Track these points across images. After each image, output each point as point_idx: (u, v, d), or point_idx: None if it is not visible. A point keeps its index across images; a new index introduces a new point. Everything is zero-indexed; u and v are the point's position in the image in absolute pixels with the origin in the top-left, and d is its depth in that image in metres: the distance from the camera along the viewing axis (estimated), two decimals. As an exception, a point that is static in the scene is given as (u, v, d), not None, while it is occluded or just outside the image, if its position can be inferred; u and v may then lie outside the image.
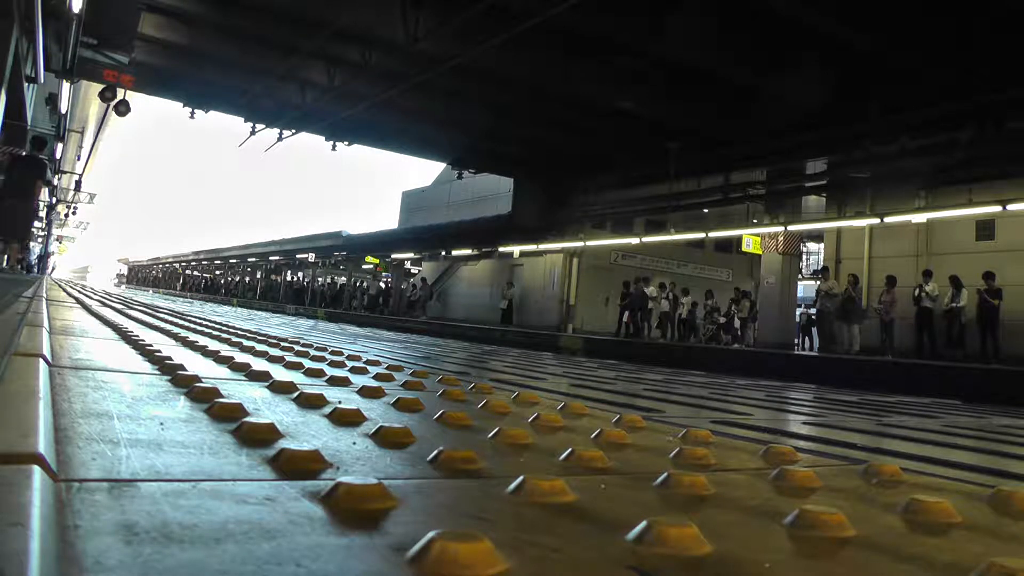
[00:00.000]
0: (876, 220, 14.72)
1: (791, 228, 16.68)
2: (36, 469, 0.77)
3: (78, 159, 28.07)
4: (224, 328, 4.82)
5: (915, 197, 15.19)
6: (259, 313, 17.04)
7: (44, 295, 6.27)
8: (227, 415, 1.36)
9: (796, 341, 20.31)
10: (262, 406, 1.58)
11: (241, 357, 2.64)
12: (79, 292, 10.79)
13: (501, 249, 23.53)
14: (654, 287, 19.64)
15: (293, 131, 18.12)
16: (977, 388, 8.49)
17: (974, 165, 12.85)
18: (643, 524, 0.81)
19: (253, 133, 18.32)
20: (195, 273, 58.02)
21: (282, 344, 3.74)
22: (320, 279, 40.94)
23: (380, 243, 31.70)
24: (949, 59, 10.60)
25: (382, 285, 35.99)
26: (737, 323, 19.05)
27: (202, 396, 1.54)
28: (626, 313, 19.37)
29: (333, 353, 3.40)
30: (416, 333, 15.35)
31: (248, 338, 3.99)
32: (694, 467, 1.35)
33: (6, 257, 11.73)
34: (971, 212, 13.51)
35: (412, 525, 0.81)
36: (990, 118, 11.61)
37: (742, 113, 13.75)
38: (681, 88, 13.42)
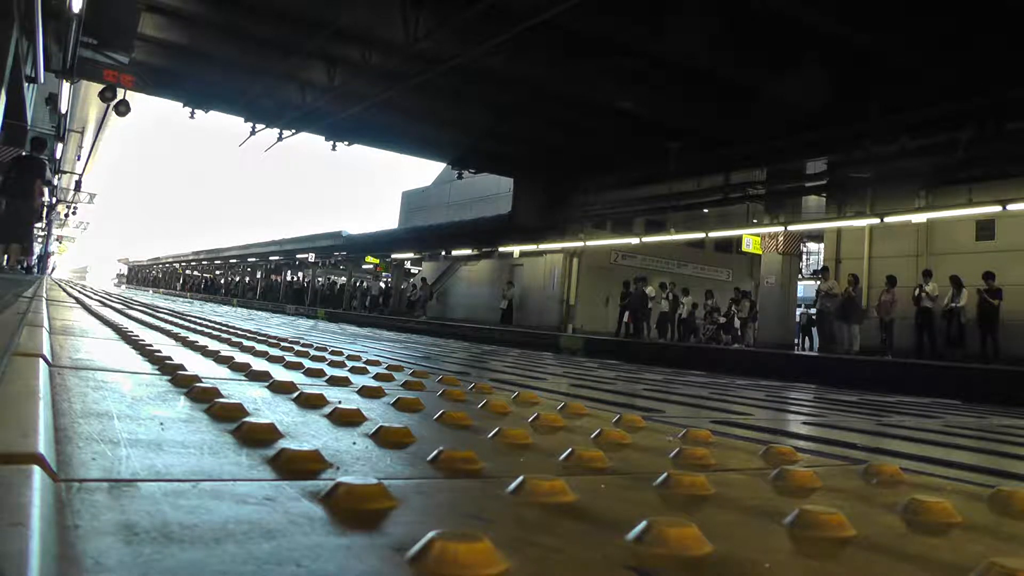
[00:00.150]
0: (876, 220, 14.72)
1: (791, 228, 16.68)
2: (36, 469, 0.77)
3: (78, 159, 28.08)
4: (224, 328, 4.82)
5: (915, 197, 15.20)
6: (259, 313, 17.05)
7: (44, 295, 6.27)
8: (227, 415, 1.36)
9: (796, 341, 20.31)
10: (262, 406, 1.58)
11: (241, 357, 2.64)
12: (79, 292, 10.79)
13: (501, 249, 23.54)
14: (652, 287, 19.64)
15: (293, 131, 18.12)
16: (977, 388, 8.49)
17: (974, 165, 12.85)
18: (643, 524, 0.81)
19: (253, 133, 18.32)
20: (195, 273, 58.03)
21: (282, 344, 3.74)
22: (320, 279, 40.94)
23: (380, 243, 31.71)
24: (949, 59, 10.61)
25: (382, 285, 36.01)
26: (737, 323, 19.06)
27: (202, 396, 1.54)
28: (626, 313, 19.37)
29: (333, 353, 3.40)
30: (416, 333, 15.35)
31: (248, 338, 4.00)
32: (694, 467, 1.35)
33: (6, 257, 11.72)
34: (971, 212, 13.52)
35: (412, 525, 0.81)
36: (990, 118, 11.62)
37: (742, 113, 13.75)
38: (681, 88, 13.42)
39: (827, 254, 18.12)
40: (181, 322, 5.03)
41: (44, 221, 15.16)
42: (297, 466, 1.01)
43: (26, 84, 13.13)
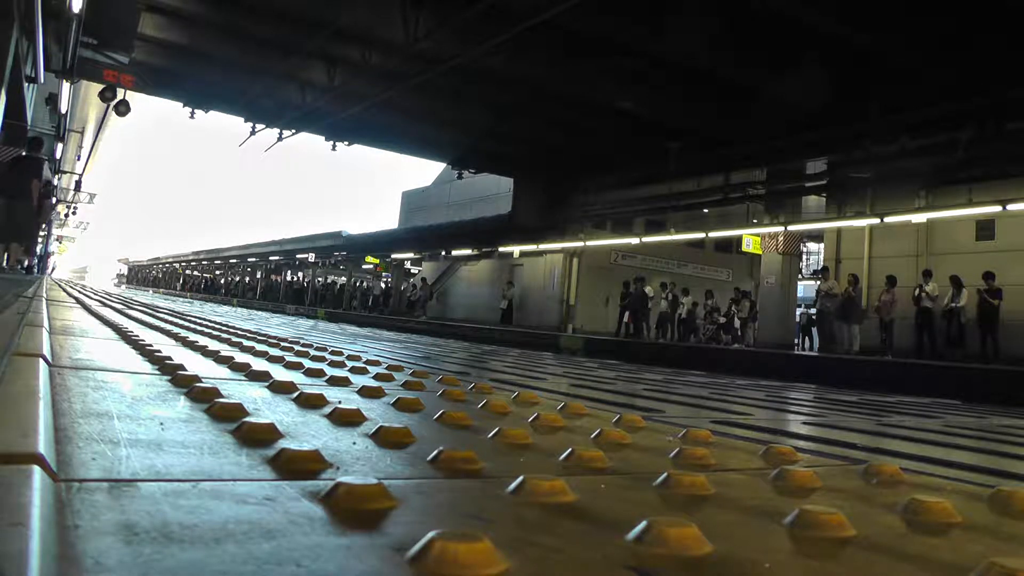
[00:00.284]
0: (876, 220, 14.72)
1: (791, 228, 16.68)
2: (36, 469, 0.77)
3: (78, 159, 28.08)
4: (224, 328, 4.82)
5: (915, 197, 15.20)
6: (259, 313, 17.05)
7: (44, 295, 6.27)
8: (227, 415, 1.36)
9: (796, 341, 20.31)
10: (262, 406, 1.58)
11: (241, 357, 2.64)
12: (79, 292, 10.79)
13: (501, 249, 23.54)
14: (651, 287, 19.65)
15: (293, 131, 18.12)
16: (977, 388, 8.49)
17: (974, 165, 12.85)
18: (643, 524, 0.81)
19: (253, 133, 18.32)
20: (195, 273, 58.03)
21: (282, 344, 3.74)
22: (319, 279, 40.94)
23: (380, 243, 31.72)
24: (949, 59, 10.61)
25: (383, 285, 36.01)
26: (737, 323, 19.06)
27: (202, 396, 1.54)
28: (626, 313, 19.37)
29: (333, 353, 3.40)
30: (416, 333, 15.35)
31: (248, 338, 4.00)
32: (694, 467, 1.35)
33: (6, 257, 11.72)
34: (971, 212, 13.52)
35: (412, 525, 0.81)
36: (990, 118, 11.62)
37: (742, 113, 13.76)
38: (681, 88, 13.42)
39: (827, 254, 18.12)
40: (181, 322, 5.03)
41: (46, 220, 15.14)
42: (297, 466, 1.01)
43: (26, 84, 13.13)
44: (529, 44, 11.62)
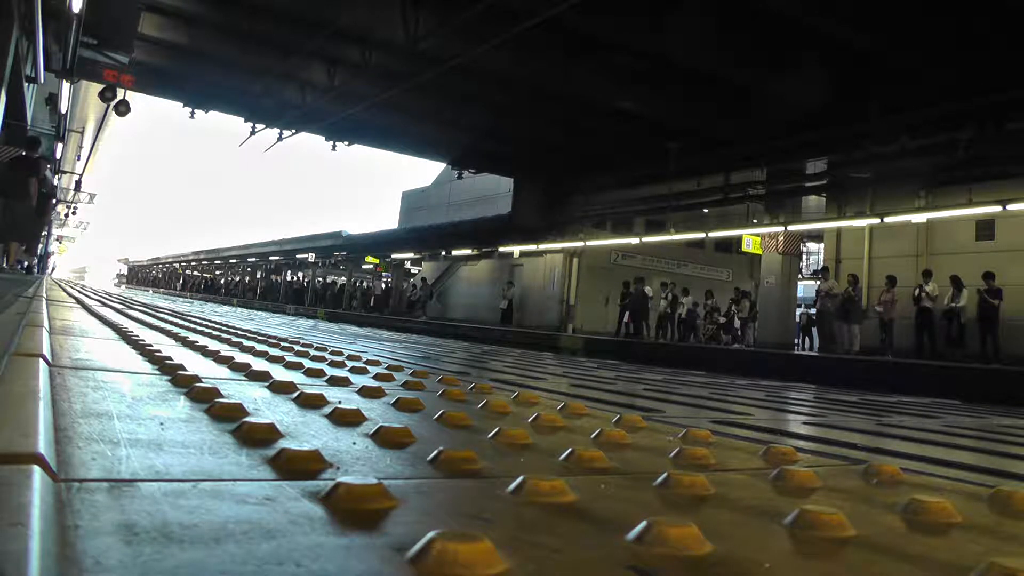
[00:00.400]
0: (876, 220, 14.73)
1: (791, 228, 16.69)
2: (36, 469, 0.77)
3: (78, 159, 28.09)
4: (224, 328, 4.82)
5: (915, 197, 15.21)
6: (259, 313, 17.04)
7: (44, 295, 6.27)
8: (227, 415, 1.36)
9: (796, 341, 20.31)
10: (262, 406, 1.58)
11: (241, 357, 2.64)
12: (79, 292, 10.79)
13: (501, 249, 23.54)
14: (651, 287, 19.65)
15: (293, 131, 18.13)
16: (977, 388, 8.49)
17: (974, 165, 12.86)
18: (643, 524, 0.81)
19: (253, 133, 18.32)
20: (195, 273, 58.03)
21: (282, 344, 3.74)
22: (319, 279, 40.94)
23: (380, 243, 31.72)
24: (949, 59, 10.61)
25: (384, 285, 36.01)
26: (737, 323, 19.05)
27: (202, 396, 1.54)
28: (626, 313, 19.37)
29: (333, 353, 3.40)
30: (416, 333, 15.35)
31: (248, 338, 4.00)
32: (694, 467, 1.35)
33: (6, 257, 11.73)
34: (971, 212, 13.52)
35: (412, 525, 0.81)
36: (990, 118, 11.62)
37: (742, 113, 13.76)
38: (681, 88, 13.42)
39: (827, 254, 18.13)
40: (181, 322, 5.03)
41: (47, 219, 15.14)
42: (297, 466, 1.01)
43: (26, 84, 13.13)
44: (529, 44, 11.63)
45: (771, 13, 10.23)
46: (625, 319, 19.43)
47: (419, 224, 31.48)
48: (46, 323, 2.85)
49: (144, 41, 14.33)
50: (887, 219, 14.38)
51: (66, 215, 36.41)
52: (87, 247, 77.22)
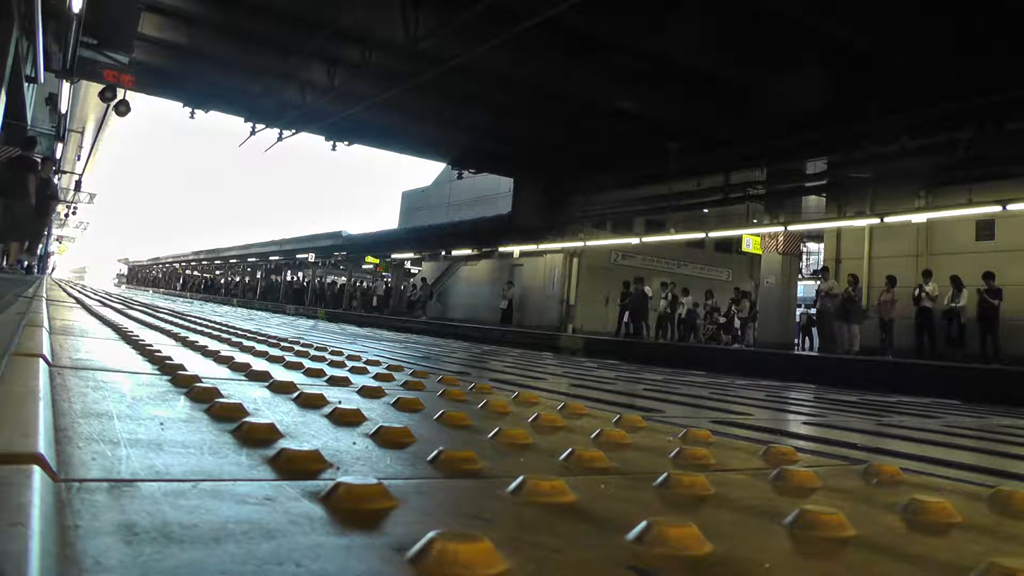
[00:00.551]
0: (876, 220, 14.73)
1: (791, 228, 16.69)
2: (36, 469, 0.77)
3: (78, 159, 28.10)
4: (224, 328, 4.83)
5: (915, 197, 15.21)
6: (259, 313, 17.04)
7: (44, 295, 6.27)
8: (227, 415, 1.36)
9: (796, 341, 20.32)
10: (262, 406, 1.58)
11: (241, 357, 2.64)
12: (79, 292, 10.80)
13: (501, 249, 23.54)
14: (651, 287, 19.65)
15: (293, 131, 18.13)
16: (977, 388, 8.49)
17: (974, 165, 12.86)
18: (643, 524, 0.81)
19: (253, 133, 18.33)
20: (195, 273, 58.03)
21: (282, 344, 3.74)
22: (319, 279, 40.94)
23: (380, 243, 31.72)
24: (949, 59, 10.61)
25: (386, 285, 35.99)
26: (737, 323, 19.06)
27: (202, 396, 1.54)
28: (626, 313, 19.37)
29: (333, 353, 3.40)
30: (416, 333, 15.35)
31: (248, 338, 4.00)
32: (694, 467, 1.35)
33: (5, 257, 11.74)
34: (971, 212, 13.52)
35: (412, 525, 0.81)
36: (990, 118, 11.62)
37: (742, 113, 13.76)
38: (681, 88, 13.43)
39: (827, 254, 18.13)
40: (181, 322, 5.03)
41: (48, 219, 15.15)
42: (297, 466, 1.01)
43: (26, 84, 13.14)
44: (529, 44, 11.63)
45: (771, 13, 10.23)
46: (625, 319, 19.43)
47: (419, 224, 31.49)
48: (46, 323, 2.85)
49: (144, 41, 14.33)
50: (887, 219, 14.38)
51: (66, 215, 36.41)
52: (87, 247, 77.25)
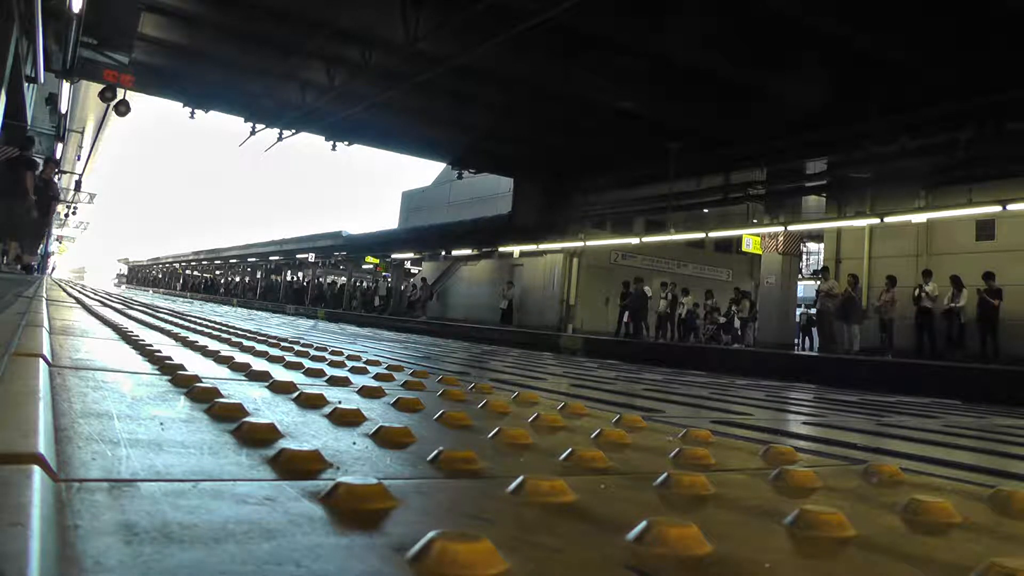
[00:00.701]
0: (876, 220, 14.72)
1: (791, 228, 16.69)
2: (36, 469, 0.77)
3: (78, 159, 28.09)
4: (224, 328, 4.83)
5: (915, 197, 15.20)
6: (259, 313, 17.04)
7: (44, 295, 6.27)
8: (227, 415, 1.36)
9: (796, 341, 20.31)
10: (262, 406, 1.58)
11: (241, 357, 2.64)
12: (79, 292, 10.79)
13: (501, 249, 23.53)
14: (651, 287, 19.66)
15: (293, 131, 18.13)
16: (977, 388, 8.48)
17: (974, 165, 12.86)
18: (643, 524, 0.81)
19: (253, 133, 18.33)
20: (195, 273, 58.01)
21: (282, 344, 3.74)
22: (319, 279, 40.94)
23: (380, 243, 31.71)
24: (949, 59, 10.61)
25: (388, 286, 35.97)
26: (737, 323, 19.05)
27: (202, 396, 1.54)
28: (626, 313, 19.37)
29: (333, 353, 3.40)
30: (416, 333, 15.35)
31: (248, 338, 4.00)
32: (694, 467, 1.35)
33: (5, 256, 11.74)
34: (971, 212, 13.51)
35: (412, 525, 0.81)
36: (990, 118, 11.62)
37: (742, 113, 13.76)
38: (681, 88, 13.42)
39: (827, 254, 18.11)
40: (181, 322, 5.03)
41: (50, 219, 15.17)
42: (297, 466, 1.01)
43: (26, 84, 13.14)
44: (529, 44, 11.62)
45: (771, 13, 10.23)
46: (625, 319, 19.42)
47: (419, 224, 31.48)
48: (46, 323, 2.85)
49: (144, 41, 14.34)
50: (887, 219, 14.37)
51: (66, 215, 36.41)
52: (87, 247, 77.26)
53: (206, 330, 4.33)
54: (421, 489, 1.02)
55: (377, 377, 2.54)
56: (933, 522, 1.04)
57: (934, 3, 9.94)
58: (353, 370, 2.71)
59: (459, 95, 15.35)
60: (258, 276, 46.04)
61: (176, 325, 4.48)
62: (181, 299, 24.11)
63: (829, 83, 11.78)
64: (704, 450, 1.47)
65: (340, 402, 1.66)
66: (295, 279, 42.14)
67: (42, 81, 12.63)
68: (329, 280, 41.03)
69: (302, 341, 4.24)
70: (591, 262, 22.12)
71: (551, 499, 0.96)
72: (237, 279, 49.27)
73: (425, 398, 1.96)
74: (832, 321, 15.07)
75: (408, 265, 32.77)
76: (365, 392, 2.01)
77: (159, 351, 2.41)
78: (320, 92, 15.32)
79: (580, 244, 20.79)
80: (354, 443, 1.27)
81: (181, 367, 2.01)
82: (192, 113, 17.23)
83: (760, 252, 18.73)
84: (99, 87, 13.78)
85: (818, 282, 16.89)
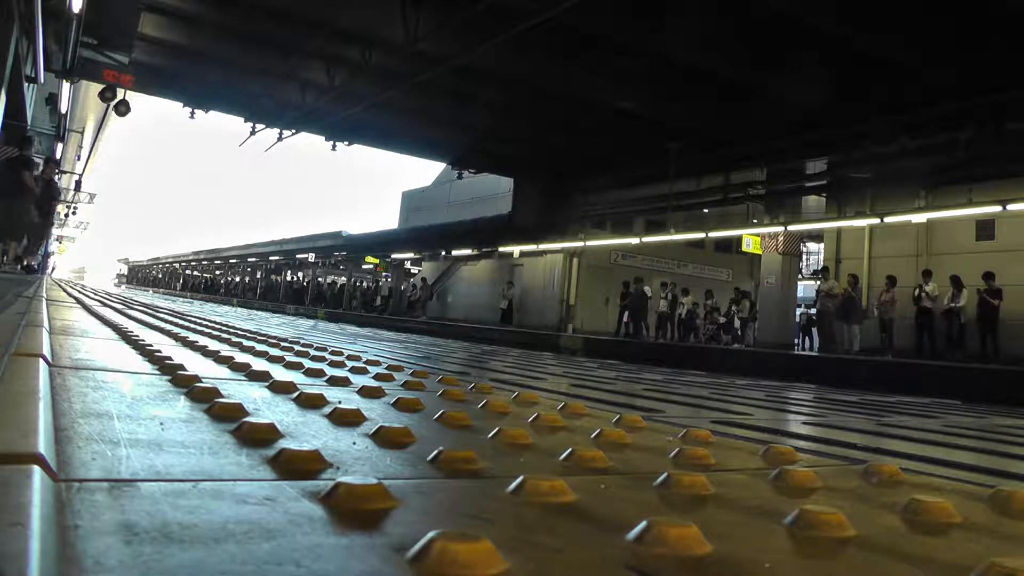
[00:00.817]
0: (876, 220, 14.72)
1: (791, 228, 16.68)
2: (36, 469, 0.77)
3: (78, 159, 28.09)
4: (224, 328, 4.83)
5: (915, 197, 15.20)
6: (259, 313, 17.04)
7: (44, 295, 6.27)
8: (227, 415, 1.36)
9: (796, 341, 20.31)
10: (262, 406, 1.58)
11: (241, 357, 2.64)
12: (79, 292, 10.79)
13: (501, 249, 23.53)
14: (651, 287, 19.66)
15: (293, 131, 18.13)
16: (977, 388, 8.48)
17: (974, 165, 12.86)
18: (643, 524, 0.81)
19: (253, 133, 18.33)
20: (195, 273, 58.01)
21: (282, 344, 3.74)
22: (319, 279, 40.94)
23: (380, 243, 31.72)
24: (949, 59, 10.61)
25: (390, 286, 35.98)
26: (737, 323, 19.05)
27: (202, 396, 1.54)
28: (626, 313, 19.37)
29: (333, 353, 3.40)
30: (416, 333, 15.34)
31: (248, 338, 4.00)
32: (694, 467, 1.35)
33: (5, 256, 11.74)
34: (971, 212, 13.51)
35: (412, 525, 0.81)
36: (990, 118, 11.62)
37: (742, 113, 13.76)
38: (681, 88, 13.42)
39: (827, 254, 18.11)
40: (181, 322, 5.03)
41: (51, 219, 15.18)
42: (297, 466, 1.01)
43: (26, 84, 13.14)
44: (529, 44, 11.63)
45: (771, 13, 10.23)
46: (625, 319, 19.42)
47: (419, 224, 31.48)
48: (46, 323, 2.85)
49: (144, 41, 14.34)
50: (887, 219, 14.37)
51: (66, 215, 36.40)
52: (87, 247, 77.27)
53: (206, 330, 4.33)
54: (421, 489, 1.02)
55: (377, 377, 2.54)
56: (933, 522, 1.04)
57: (934, 3, 9.94)
58: (353, 370, 2.71)
59: (459, 95, 15.35)
60: (258, 276, 46.03)
61: (176, 325, 4.48)
62: (181, 299, 24.10)
63: (829, 83, 11.78)
64: (704, 450, 1.47)
65: (340, 402, 1.66)
66: (295, 279, 42.13)
67: (42, 81, 12.63)
68: (329, 280, 41.03)
69: (302, 341, 4.24)
70: (591, 262, 22.12)
71: (551, 499, 0.96)
72: (237, 279, 49.27)
73: (425, 398, 1.96)
74: (832, 321, 15.07)
75: (408, 265, 32.77)
76: (365, 392, 2.01)
77: (159, 351, 2.41)
78: (320, 92, 15.32)
79: (580, 244, 20.78)
80: (354, 443, 1.27)
81: (181, 367, 2.01)
82: (192, 113, 17.23)
83: (760, 252, 18.73)
84: (99, 87, 13.78)
85: (818, 282, 16.89)
